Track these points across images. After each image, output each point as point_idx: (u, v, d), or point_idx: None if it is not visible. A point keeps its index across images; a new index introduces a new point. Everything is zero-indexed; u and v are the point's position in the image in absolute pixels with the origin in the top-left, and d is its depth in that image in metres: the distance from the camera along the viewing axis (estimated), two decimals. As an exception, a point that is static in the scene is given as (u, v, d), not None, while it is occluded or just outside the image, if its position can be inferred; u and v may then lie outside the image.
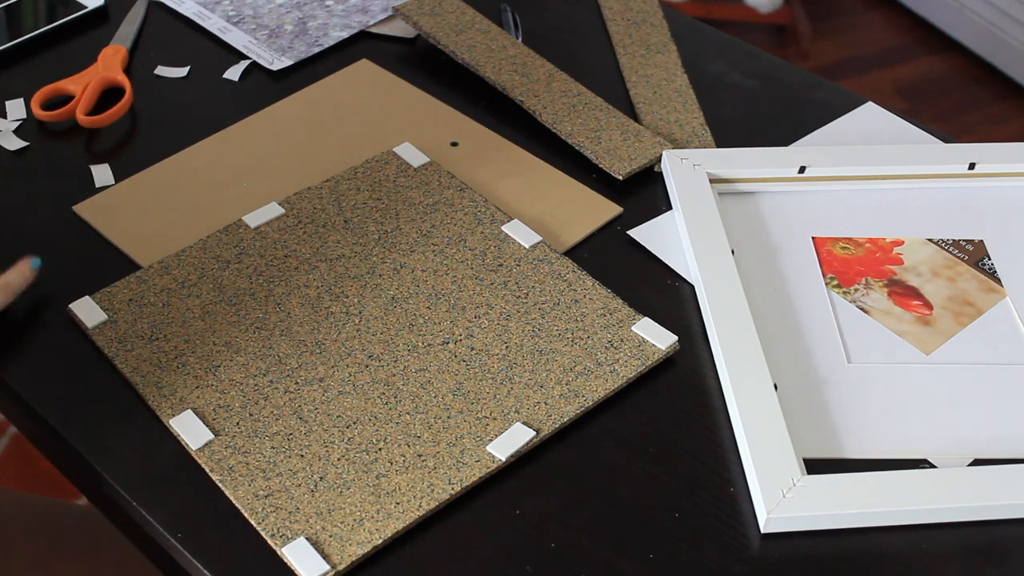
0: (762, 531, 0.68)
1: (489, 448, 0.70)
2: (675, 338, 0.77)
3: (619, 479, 0.71)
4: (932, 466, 0.71)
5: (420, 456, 0.70)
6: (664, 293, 0.82)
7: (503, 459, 0.70)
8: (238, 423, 0.72)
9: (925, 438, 0.73)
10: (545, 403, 0.73)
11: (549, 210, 0.87)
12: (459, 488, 0.69)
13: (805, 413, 0.74)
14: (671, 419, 0.74)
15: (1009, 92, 2.36)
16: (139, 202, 0.87)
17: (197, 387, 0.73)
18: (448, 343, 0.77)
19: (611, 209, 0.88)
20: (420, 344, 0.76)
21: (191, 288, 0.79)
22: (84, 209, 0.86)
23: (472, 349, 0.76)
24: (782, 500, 0.68)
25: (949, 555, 0.67)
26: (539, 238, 0.83)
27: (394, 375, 0.75)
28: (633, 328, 0.78)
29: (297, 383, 0.74)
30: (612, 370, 0.75)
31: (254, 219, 0.84)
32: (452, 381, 0.74)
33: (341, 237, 0.84)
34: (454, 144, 0.93)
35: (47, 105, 0.94)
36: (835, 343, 0.79)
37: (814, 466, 0.71)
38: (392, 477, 0.69)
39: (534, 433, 0.71)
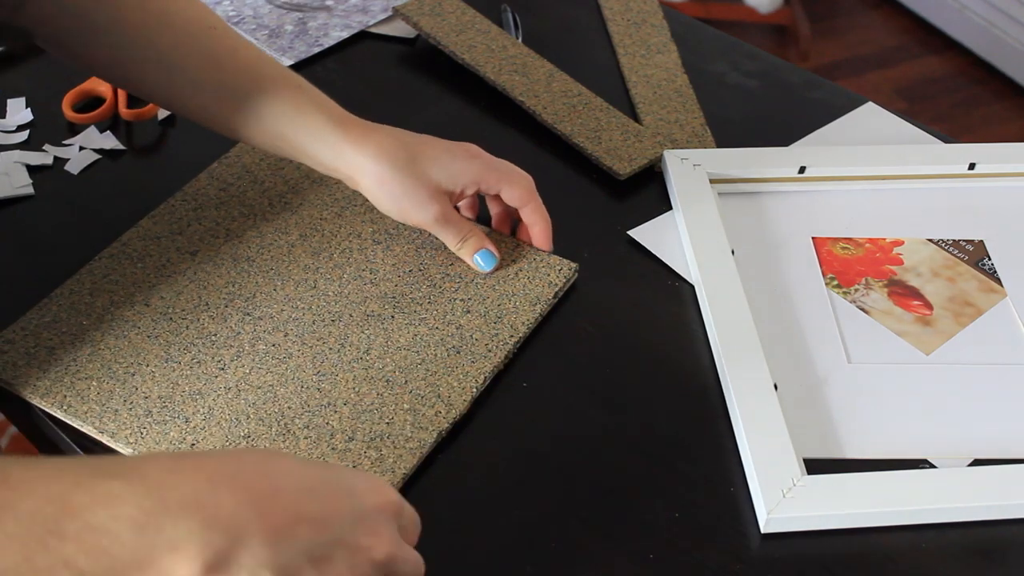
0: (762, 531, 0.68)
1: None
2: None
3: (619, 479, 0.71)
4: (932, 466, 0.71)
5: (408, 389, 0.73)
6: (664, 293, 0.82)
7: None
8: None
9: (925, 438, 0.73)
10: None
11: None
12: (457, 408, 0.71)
13: (805, 413, 0.74)
14: (671, 419, 0.74)
15: (1009, 92, 2.36)
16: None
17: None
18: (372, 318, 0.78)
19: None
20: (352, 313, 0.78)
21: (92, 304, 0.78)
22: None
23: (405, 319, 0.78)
24: (782, 500, 0.68)
25: (949, 555, 0.67)
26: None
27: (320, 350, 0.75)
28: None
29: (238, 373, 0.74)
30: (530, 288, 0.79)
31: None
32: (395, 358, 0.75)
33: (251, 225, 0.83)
34: (454, 144, 0.93)
35: (79, 107, 0.94)
36: (835, 343, 0.79)
37: (814, 466, 0.71)
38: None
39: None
